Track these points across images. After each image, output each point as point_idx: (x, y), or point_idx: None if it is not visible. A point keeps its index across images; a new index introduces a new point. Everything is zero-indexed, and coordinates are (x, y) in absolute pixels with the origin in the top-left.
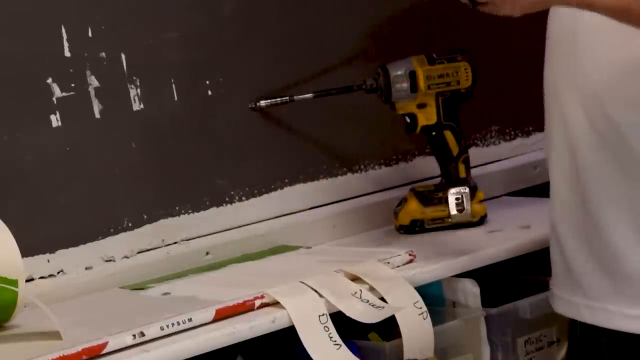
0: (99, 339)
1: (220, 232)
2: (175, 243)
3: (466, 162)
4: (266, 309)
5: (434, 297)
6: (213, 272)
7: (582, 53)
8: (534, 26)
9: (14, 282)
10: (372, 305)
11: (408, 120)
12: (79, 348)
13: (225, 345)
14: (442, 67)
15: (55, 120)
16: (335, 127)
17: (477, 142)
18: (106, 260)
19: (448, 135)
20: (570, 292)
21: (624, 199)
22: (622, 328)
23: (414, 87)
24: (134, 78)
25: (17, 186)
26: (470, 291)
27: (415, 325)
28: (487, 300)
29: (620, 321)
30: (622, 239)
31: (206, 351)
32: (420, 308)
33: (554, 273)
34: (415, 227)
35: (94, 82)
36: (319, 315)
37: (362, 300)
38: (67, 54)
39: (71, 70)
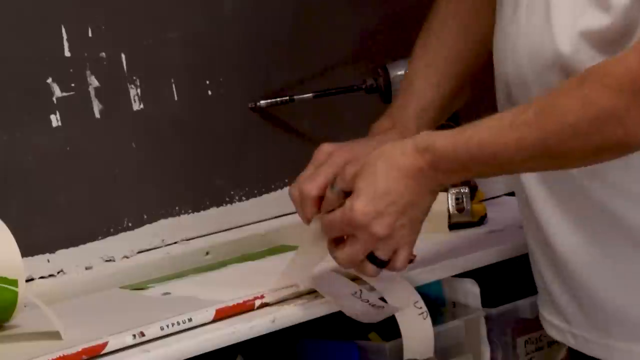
0: (99, 339)
1: (220, 232)
2: (175, 243)
3: None
4: (266, 309)
5: (434, 297)
6: (213, 272)
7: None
8: None
9: (14, 282)
10: (372, 305)
11: None
12: (79, 348)
13: (225, 345)
14: None
15: (55, 120)
16: (335, 127)
17: None
18: (106, 260)
19: None
20: (557, 318)
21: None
22: (600, 356)
23: None
24: (134, 78)
25: (17, 186)
26: (470, 291)
27: (415, 325)
28: (487, 300)
29: (598, 350)
30: (586, 270)
31: (206, 351)
32: (420, 308)
33: (539, 295)
34: None
35: (94, 82)
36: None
37: (362, 300)
38: (67, 54)
39: (71, 70)
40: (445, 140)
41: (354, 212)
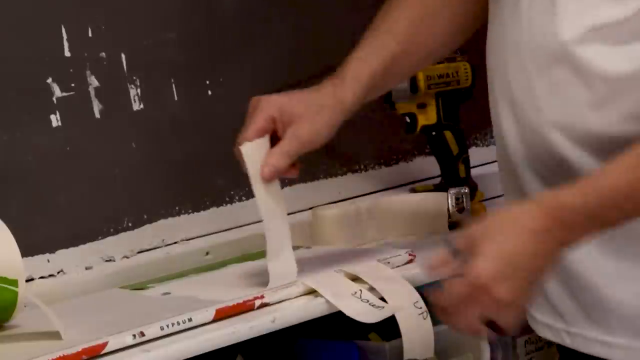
0: (99, 339)
1: (220, 232)
2: (175, 243)
3: (466, 162)
4: (266, 308)
5: None
6: (213, 272)
7: None
8: None
9: (14, 282)
10: (372, 305)
11: (408, 120)
12: (79, 348)
13: (225, 345)
14: (442, 67)
15: (55, 120)
16: None
17: (477, 142)
18: (106, 260)
19: (448, 135)
20: (551, 317)
21: None
22: (600, 354)
23: (414, 87)
24: (134, 78)
25: (17, 186)
26: None
27: (415, 325)
28: None
29: (598, 348)
30: (587, 266)
31: (206, 351)
32: (420, 308)
33: None
34: None
35: (94, 82)
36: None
37: (362, 300)
38: (67, 54)
39: (71, 70)
40: (572, 192)
41: (477, 274)
